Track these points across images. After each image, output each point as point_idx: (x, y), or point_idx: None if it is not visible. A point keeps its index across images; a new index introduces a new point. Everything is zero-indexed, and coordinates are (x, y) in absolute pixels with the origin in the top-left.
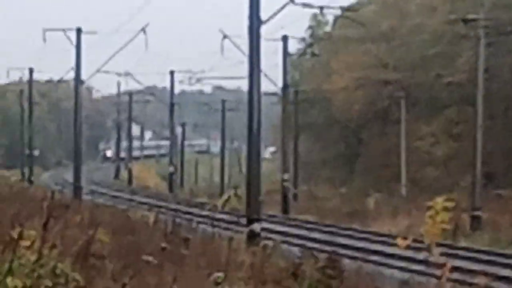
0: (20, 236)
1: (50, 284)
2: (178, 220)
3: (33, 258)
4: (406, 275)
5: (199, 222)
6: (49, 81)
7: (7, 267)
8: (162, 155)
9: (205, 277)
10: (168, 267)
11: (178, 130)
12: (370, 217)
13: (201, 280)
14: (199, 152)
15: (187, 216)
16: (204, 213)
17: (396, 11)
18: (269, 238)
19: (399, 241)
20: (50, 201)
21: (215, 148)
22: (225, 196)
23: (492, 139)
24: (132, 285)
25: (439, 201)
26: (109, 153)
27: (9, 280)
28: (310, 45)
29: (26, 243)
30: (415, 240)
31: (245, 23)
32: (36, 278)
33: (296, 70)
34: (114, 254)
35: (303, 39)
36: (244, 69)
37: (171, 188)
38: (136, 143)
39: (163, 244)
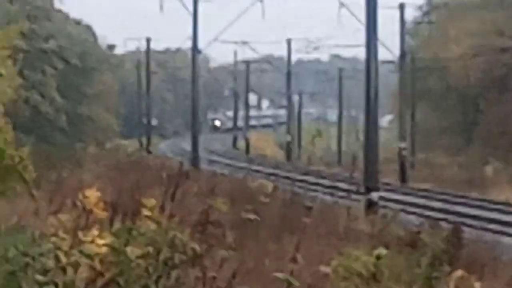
0: (140, 205)
1: (168, 254)
2: (296, 189)
3: (152, 227)
4: None
5: (318, 191)
6: (166, 51)
7: (126, 236)
8: (281, 123)
9: (325, 246)
10: (288, 236)
11: (295, 98)
12: (488, 185)
13: (321, 248)
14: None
15: (305, 185)
16: (323, 182)
17: None
18: (387, 207)
19: None
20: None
21: (333, 116)
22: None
23: None
24: (253, 253)
25: None
26: (218, 123)
27: (128, 249)
28: (427, 12)
29: (147, 212)
30: None
31: None
32: (155, 247)
33: (413, 38)
34: (232, 223)
35: (420, 7)
36: (361, 37)
37: (288, 157)
38: (253, 112)
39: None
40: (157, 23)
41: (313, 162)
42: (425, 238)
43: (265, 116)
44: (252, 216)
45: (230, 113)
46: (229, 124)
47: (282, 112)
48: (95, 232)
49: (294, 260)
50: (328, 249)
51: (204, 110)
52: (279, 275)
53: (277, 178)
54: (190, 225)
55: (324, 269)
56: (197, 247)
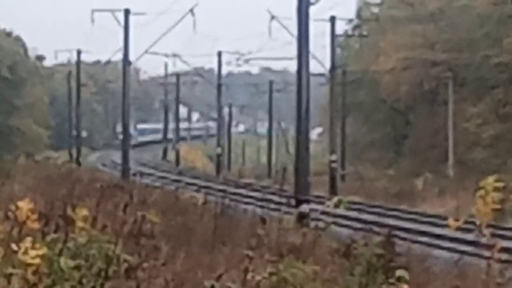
0: (73, 216)
1: (103, 265)
2: (227, 201)
3: (85, 239)
4: (455, 256)
5: (248, 203)
6: (96, 63)
7: (60, 248)
8: (210, 135)
9: (258, 258)
10: (220, 248)
11: (225, 111)
12: (417, 198)
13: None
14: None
15: (236, 197)
16: (253, 194)
17: None
18: (318, 219)
19: (450, 222)
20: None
21: (263, 129)
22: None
23: None
24: (185, 265)
25: (490, 181)
26: None
27: (62, 260)
28: (358, 26)
29: (81, 224)
30: (464, 221)
31: (294, 4)
32: (89, 259)
33: (344, 51)
34: (164, 235)
35: (350, 20)
36: (292, 50)
37: (218, 169)
38: (183, 124)
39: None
40: (88, 35)
41: (243, 174)
42: (358, 248)
43: (195, 129)
44: None
45: (141, 126)
46: (140, 139)
47: (212, 124)
48: (28, 243)
49: (246, 270)
50: (260, 261)
51: (141, 122)
52: (231, 284)
53: (207, 190)
54: (123, 237)
55: (257, 277)
56: (130, 259)
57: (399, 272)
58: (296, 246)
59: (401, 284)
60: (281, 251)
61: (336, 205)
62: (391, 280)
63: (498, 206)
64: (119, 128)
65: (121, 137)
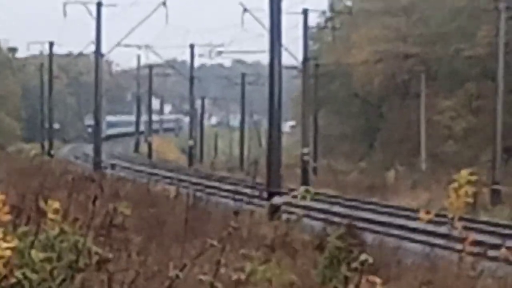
0: (44, 209)
1: (73, 257)
2: (199, 194)
3: (55, 231)
4: (427, 249)
5: (220, 196)
6: (69, 55)
7: (32, 240)
8: (180, 128)
9: (229, 251)
10: (191, 240)
11: (198, 103)
12: (390, 191)
13: (225, 254)
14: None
15: (209, 190)
16: (226, 187)
17: None
18: (290, 212)
19: (422, 214)
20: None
21: (235, 121)
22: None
23: None
24: (156, 258)
25: (463, 175)
26: None
27: (33, 252)
28: (330, 18)
29: (53, 216)
30: (435, 214)
31: None
32: (59, 251)
33: (317, 43)
34: (136, 227)
35: (323, 13)
36: (264, 43)
37: (191, 162)
38: (155, 117)
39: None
40: (60, 27)
41: (215, 167)
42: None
43: (166, 121)
44: None
45: (110, 118)
46: (108, 131)
47: (183, 116)
48: None
49: (218, 263)
50: (232, 254)
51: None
52: (203, 277)
53: (179, 182)
54: (94, 229)
55: (237, 275)
56: (101, 251)
57: (362, 256)
58: (268, 239)
59: (364, 270)
60: (258, 246)
61: (303, 196)
62: (354, 265)
63: (470, 200)
64: (87, 121)
65: (89, 130)
